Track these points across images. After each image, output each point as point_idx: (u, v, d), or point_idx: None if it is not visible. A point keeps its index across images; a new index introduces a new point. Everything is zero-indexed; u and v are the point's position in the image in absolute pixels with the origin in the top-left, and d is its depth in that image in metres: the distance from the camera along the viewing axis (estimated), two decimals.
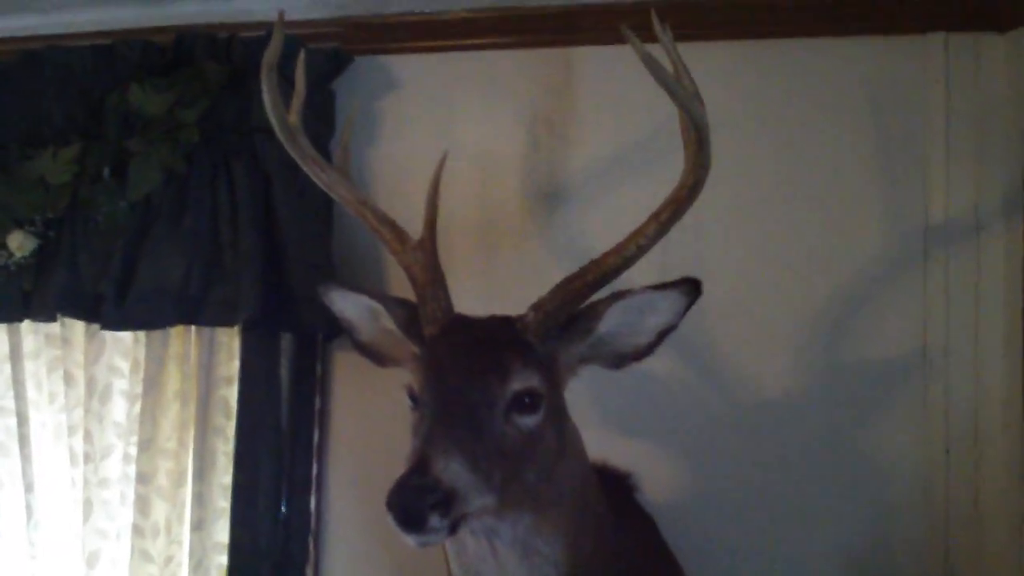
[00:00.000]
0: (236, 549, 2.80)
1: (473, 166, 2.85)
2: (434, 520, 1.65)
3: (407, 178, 2.87)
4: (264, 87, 2.18)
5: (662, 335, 2.06)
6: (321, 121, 2.88)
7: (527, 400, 1.86)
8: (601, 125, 2.88)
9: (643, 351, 2.08)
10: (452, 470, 1.69)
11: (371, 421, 2.96)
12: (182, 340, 2.98)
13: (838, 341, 2.70)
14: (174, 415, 2.97)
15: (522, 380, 1.87)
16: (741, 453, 2.72)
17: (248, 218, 2.78)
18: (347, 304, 2.26)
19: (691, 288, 2.01)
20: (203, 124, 2.82)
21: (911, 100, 2.72)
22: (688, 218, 2.04)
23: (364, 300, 2.22)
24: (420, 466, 1.68)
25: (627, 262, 2.01)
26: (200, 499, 2.91)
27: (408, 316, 2.13)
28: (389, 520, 1.65)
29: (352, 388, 2.99)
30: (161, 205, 2.84)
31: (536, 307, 2.00)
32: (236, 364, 2.90)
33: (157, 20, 3.06)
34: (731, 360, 2.72)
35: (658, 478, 2.62)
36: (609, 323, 2.05)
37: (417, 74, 2.99)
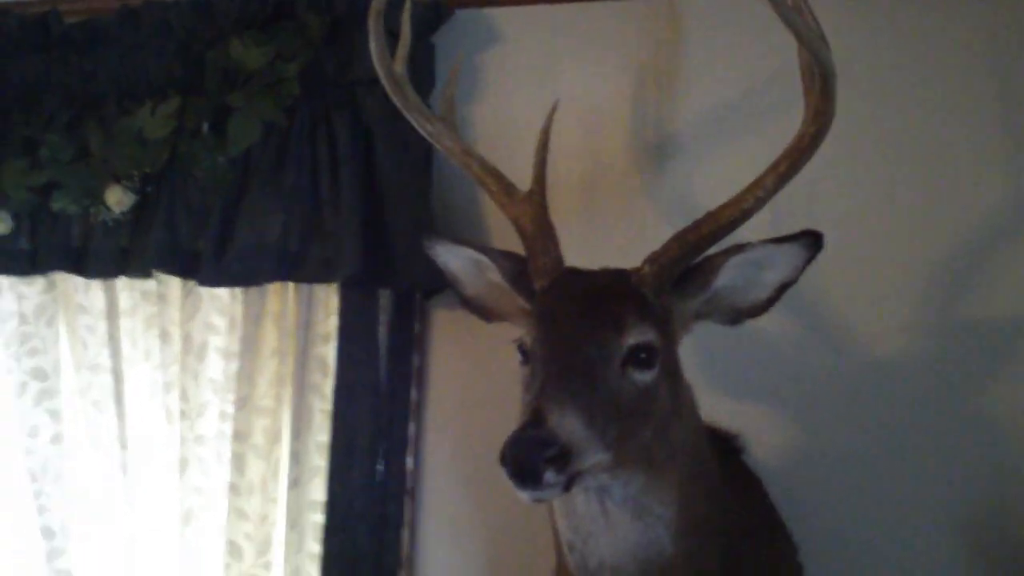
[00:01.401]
0: (332, 508, 2.83)
1: (577, 120, 2.82)
2: (549, 475, 1.64)
3: (508, 133, 2.85)
4: (371, 35, 2.21)
5: (780, 290, 2.04)
6: (421, 75, 2.84)
7: (643, 355, 1.85)
8: (709, 76, 2.83)
9: (760, 307, 2.06)
10: (568, 424, 1.68)
11: (469, 381, 2.97)
12: (279, 297, 3.01)
13: (955, 297, 2.64)
14: (271, 373, 3.00)
15: (638, 334, 1.85)
16: (852, 413, 2.66)
17: (349, 173, 2.79)
18: (452, 258, 2.26)
19: (812, 241, 1.98)
20: (303, 77, 2.84)
21: None
22: (801, 171, 2.01)
23: (470, 253, 2.22)
24: (535, 419, 1.68)
25: (744, 215, 1.98)
26: (296, 457, 2.93)
27: (515, 269, 2.14)
28: (503, 474, 1.65)
29: (450, 347, 3.00)
30: (260, 160, 2.87)
31: (651, 260, 1.97)
32: (334, 321, 2.92)
33: None
34: (843, 317, 2.68)
35: (766, 439, 2.61)
36: (726, 278, 2.03)
37: (518, 27, 2.98)
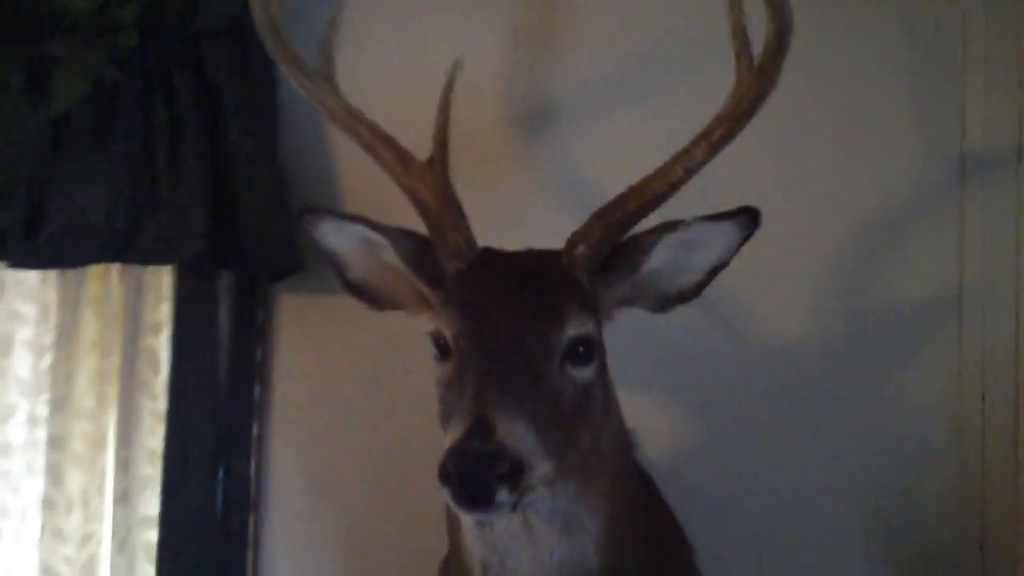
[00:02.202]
0: (166, 524, 2.65)
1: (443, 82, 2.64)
2: (503, 494, 1.48)
3: (367, 96, 2.57)
4: None
5: (712, 273, 1.94)
6: None
7: (581, 349, 1.71)
8: (596, 36, 2.70)
9: (691, 291, 1.95)
10: (518, 433, 1.52)
11: (319, 376, 2.81)
12: (101, 281, 2.79)
13: (864, 279, 2.59)
14: (92, 369, 2.77)
15: (578, 325, 1.71)
16: (754, 403, 2.59)
17: (191, 137, 2.57)
18: (339, 236, 2.03)
19: (749, 219, 1.88)
20: (140, 25, 2.56)
21: (949, 19, 2.60)
22: None
23: (361, 231, 1.99)
24: (480, 428, 1.50)
25: (672, 188, 1.86)
26: (124, 466, 2.74)
27: (416, 250, 1.95)
28: (445, 494, 1.49)
29: (297, 338, 2.83)
30: (83, 121, 2.59)
31: (579, 239, 1.83)
32: (167, 308, 2.74)
33: None
34: (744, 301, 2.59)
35: (660, 431, 2.52)
36: (657, 259, 1.90)
37: None
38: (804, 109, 2.60)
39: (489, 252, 1.88)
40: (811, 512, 2.57)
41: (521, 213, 2.58)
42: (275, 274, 2.71)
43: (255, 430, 2.79)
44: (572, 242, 1.84)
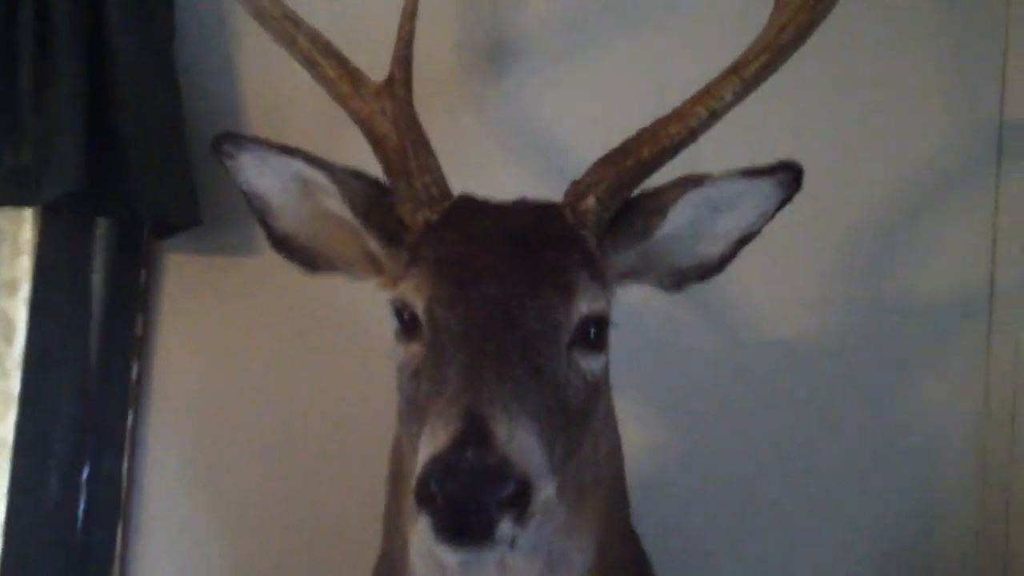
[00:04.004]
0: (13, 531, 2.40)
1: (389, 16, 2.16)
2: (505, 526, 1.20)
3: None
4: None
5: (741, 243, 1.70)
6: None
7: (593, 331, 1.46)
8: None
9: (712, 265, 1.71)
10: (522, 441, 1.24)
11: (211, 355, 2.57)
12: None
13: (880, 269, 2.42)
14: None
15: (591, 299, 1.45)
16: (748, 412, 2.42)
17: (65, 48, 2.26)
18: (266, 174, 1.69)
19: (791, 178, 1.64)
20: None
21: None
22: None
23: (296, 167, 1.67)
24: (475, 432, 1.21)
25: (693, 133, 1.62)
26: None
27: (368, 195, 1.67)
28: (423, 524, 1.22)
29: (187, 307, 2.58)
30: None
31: (586, 189, 1.58)
32: (24, 263, 2.51)
33: None
34: (738, 290, 2.39)
35: (639, 440, 2.27)
36: (674, 222, 1.65)
37: None
38: (821, 69, 2.38)
39: (469, 200, 1.62)
40: (814, 535, 2.43)
41: (478, 159, 2.38)
42: (164, 227, 2.45)
43: (130, 419, 2.53)
44: (577, 193, 1.59)
